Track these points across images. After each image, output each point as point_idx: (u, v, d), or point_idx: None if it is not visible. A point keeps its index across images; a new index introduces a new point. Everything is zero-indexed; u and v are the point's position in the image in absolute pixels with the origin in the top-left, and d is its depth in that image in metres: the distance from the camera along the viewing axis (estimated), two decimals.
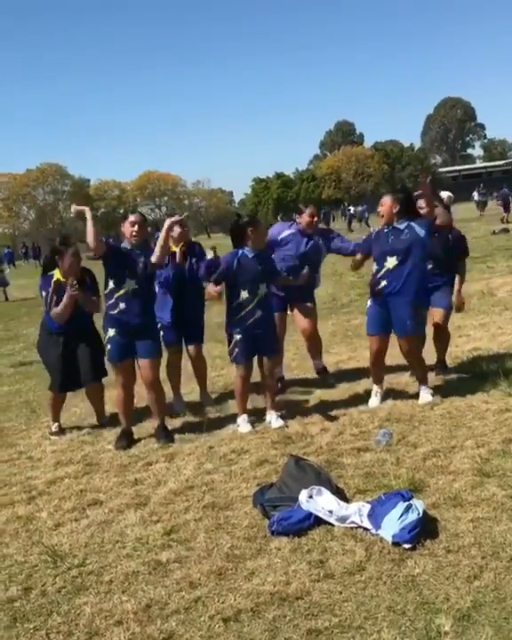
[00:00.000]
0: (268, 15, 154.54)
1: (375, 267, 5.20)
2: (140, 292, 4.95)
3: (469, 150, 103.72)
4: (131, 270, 4.92)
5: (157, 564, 3.24)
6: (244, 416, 5.18)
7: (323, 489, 3.53)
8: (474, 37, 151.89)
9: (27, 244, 54.13)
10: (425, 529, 3.19)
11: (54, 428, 5.56)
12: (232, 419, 5.29)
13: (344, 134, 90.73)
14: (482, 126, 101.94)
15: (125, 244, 5.04)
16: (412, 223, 5.03)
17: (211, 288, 5.15)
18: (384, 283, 5.09)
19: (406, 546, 3.10)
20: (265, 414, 5.24)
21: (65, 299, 5.13)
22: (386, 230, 5.15)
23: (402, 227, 5.05)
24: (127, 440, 5.04)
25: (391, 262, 5.04)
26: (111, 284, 4.97)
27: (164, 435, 5.03)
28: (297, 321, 6.10)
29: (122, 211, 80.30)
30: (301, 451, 4.45)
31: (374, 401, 5.32)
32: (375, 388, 5.39)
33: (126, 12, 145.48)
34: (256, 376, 5.31)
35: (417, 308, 5.14)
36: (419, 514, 3.21)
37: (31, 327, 12.78)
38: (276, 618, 2.70)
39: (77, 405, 6.21)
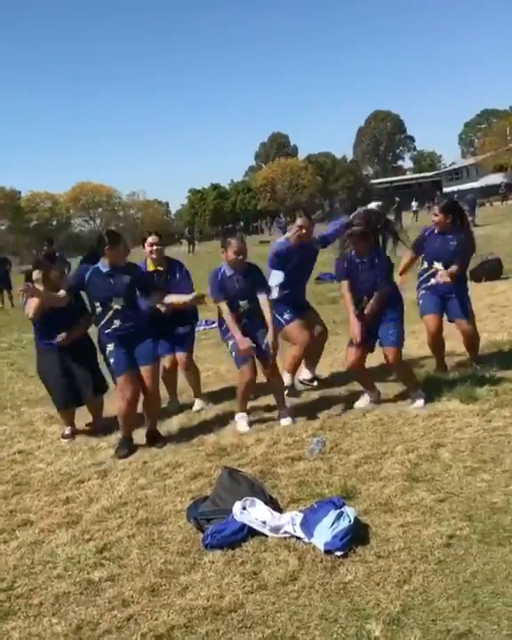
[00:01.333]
0: (201, 29, 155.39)
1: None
2: (127, 307, 4.99)
3: (400, 162, 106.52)
4: (113, 291, 4.94)
5: (89, 583, 3.18)
6: (244, 414, 5.28)
7: (256, 500, 3.54)
8: (402, 51, 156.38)
9: None
10: (356, 536, 3.24)
11: (67, 431, 5.58)
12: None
13: (278, 146, 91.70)
14: (411, 138, 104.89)
15: (102, 267, 4.98)
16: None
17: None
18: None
19: (338, 553, 3.13)
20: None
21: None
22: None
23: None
24: (129, 448, 5.02)
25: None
26: (98, 307, 5.01)
27: (158, 439, 5.13)
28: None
29: (54, 222, 79.15)
30: (236, 462, 4.45)
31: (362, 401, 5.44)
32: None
33: (56, 17, 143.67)
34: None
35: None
36: (350, 521, 3.25)
37: None
38: (209, 632, 2.69)
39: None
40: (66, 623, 2.86)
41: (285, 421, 5.17)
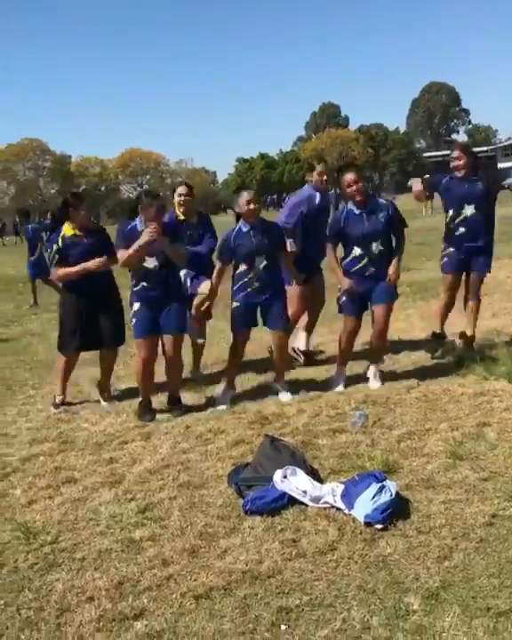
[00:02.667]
0: None
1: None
2: (161, 269, 4.95)
3: (454, 135, 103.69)
4: (148, 250, 4.89)
5: (130, 541, 3.24)
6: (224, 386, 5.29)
7: (297, 469, 3.55)
8: (461, 22, 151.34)
9: (5, 220, 53.34)
10: (397, 510, 3.22)
11: (59, 399, 5.54)
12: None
13: (329, 116, 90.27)
14: (466, 112, 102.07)
15: (138, 224, 4.95)
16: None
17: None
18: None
19: (378, 526, 3.13)
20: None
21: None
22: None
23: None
24: (151, 413, 5.07)
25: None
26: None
27: (179, 406, 5.14)
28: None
29: (103, 188, 79.72)
30: (277, 431, 4.47)
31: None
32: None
33: None
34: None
35: None
36: (391, 495, 3.23)
37: (8, 304, 12.70)
38: (248, 596, 2.72)
39: (78, 383, 6.17)
40: (107, 578, 2.93)
41: (284, 397, 5.20)
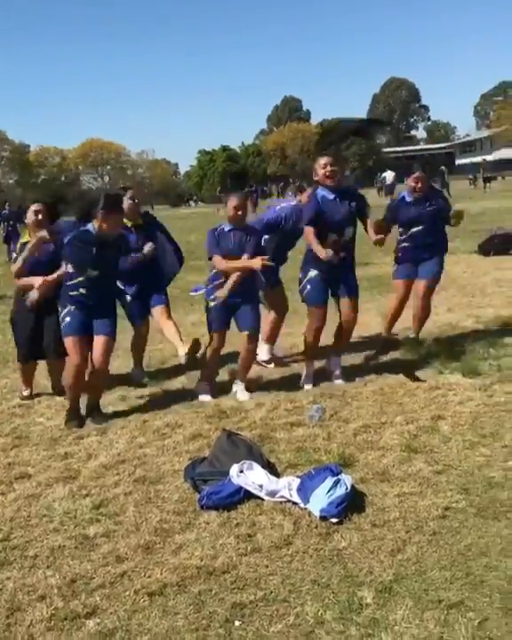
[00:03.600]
0: None
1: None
2: (102, 278, 4.75)
3: (413, 131, 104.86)
4: (92, 259, 4.68)
5: (84, 538, 3.19)
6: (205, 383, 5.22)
7: (254, 463, 3.54)
8: (422, 17, 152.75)
9: None
10: (352, 503, 3.24)
11: (25, 392, 5.48)
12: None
13: (291, 110, 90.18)
14: (426, 108, 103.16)
15: (91, 228, 4.70)
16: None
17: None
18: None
19: (333, 520, 3.14)
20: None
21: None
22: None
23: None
24: (78, 419, 4.83)
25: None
26: (70, 269, 4.74)
27: (100, 414, 4.91)
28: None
29: (63, 178, 78.49)
30: (235, 425, 4.45)
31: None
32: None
33: None
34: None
35: None
36: (346, 489, 3.25)
37: None
38: (202, 592, 2.70)
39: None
40: (60, 576, 2.88)
41: (241, 395, 5.14)
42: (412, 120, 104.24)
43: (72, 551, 3.09)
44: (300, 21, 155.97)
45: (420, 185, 5.76)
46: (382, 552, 2.89)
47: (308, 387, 5.26)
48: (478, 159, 62.41)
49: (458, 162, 70.06)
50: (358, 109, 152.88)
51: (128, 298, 5.48)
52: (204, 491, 3.45)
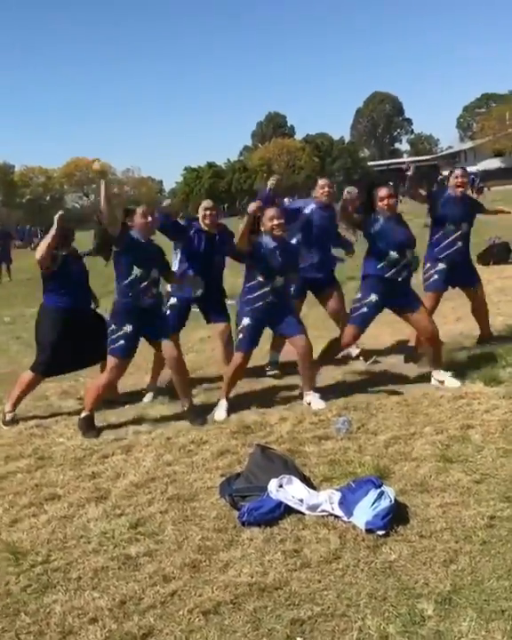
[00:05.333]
0: (200, 6, 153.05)
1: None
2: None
3: (397, 145, 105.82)
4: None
5: (127, 558, 3.14)
6: (225, 402, 5.15)
7: (292, 477, 3.50)
8: (403, 32, 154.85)
9: None
10: (396, 515, 3.21)
11: (10, 416, 5.35)
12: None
13: (275, 126, 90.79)
14: (409, 121, 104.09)
15: (136, 235, 4.90)
16: None
17: None
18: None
19: (380, 532, 3.11)
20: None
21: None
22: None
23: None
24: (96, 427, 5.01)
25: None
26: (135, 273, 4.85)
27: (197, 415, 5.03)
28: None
29: (48, 198, 78.42)
30: (262, 440, 4.41)
31: None
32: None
33: None
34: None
35: None
36: (391, 501, 3.22)
37: None
38: (257, 609, 2.66)
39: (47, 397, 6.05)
40: (108, 597, 2.82)
41: (317, 404, 5.03)
42: (396, 133, 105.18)
43: (116, 572, 3.04)
44: (283, 37, 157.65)
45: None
46: (435, 563, 2.85)
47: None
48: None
49: (444, 173, 70.59)
50: (342, 124, 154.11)
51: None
52: (243, 507, 3.41)
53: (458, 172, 6.10)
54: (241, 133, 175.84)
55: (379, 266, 5.08)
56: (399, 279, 5.09)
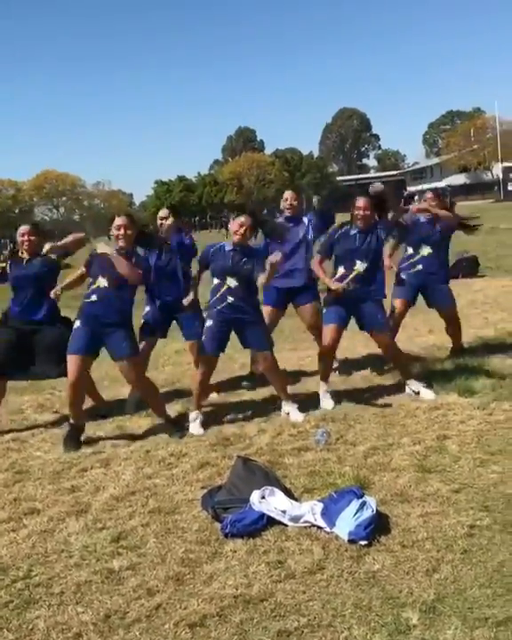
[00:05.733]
0: (171, 22, 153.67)
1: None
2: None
3: (365, 160, 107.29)
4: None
5: (109, 572, 3.11)
6: (197, 413, 5.11)
7: (275, 489, 3.52)
8: (371, 50, 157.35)
9: None
10: (378, 525, 3.24)
11: None
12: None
13: (245, 140, 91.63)
14: (377, 137, 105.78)
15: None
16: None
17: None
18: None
19: (362, 543, 3.13)
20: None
21: None
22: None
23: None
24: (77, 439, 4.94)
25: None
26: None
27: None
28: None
29: (17, 210, 77.69)
30: (242, 452, 4.41)
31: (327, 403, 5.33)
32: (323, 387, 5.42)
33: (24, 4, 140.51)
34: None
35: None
36: (373, 511, 3.25)
37: None
38: (243, 621, 2.66)
39: (23, 411, 5.96)
40: (92, 612, 2.80)
41: (295, 416, 5.06)
42: (364, 149, 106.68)
43: (99, 586, 3.01)
44: (253, 53, 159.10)
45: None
46: (418, 572, 2.89)
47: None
48: (429, 186, 64.13)
49: (410, 188, 71.60)
50: (311, 139, 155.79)
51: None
52: (225, 519, 3.41)
53: (429, 194, 6.22)
54: (211, 147, 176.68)
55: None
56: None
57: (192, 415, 5.10)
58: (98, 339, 4.84)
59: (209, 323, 5.05)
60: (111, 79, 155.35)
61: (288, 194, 5.93)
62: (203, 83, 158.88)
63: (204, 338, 5.05)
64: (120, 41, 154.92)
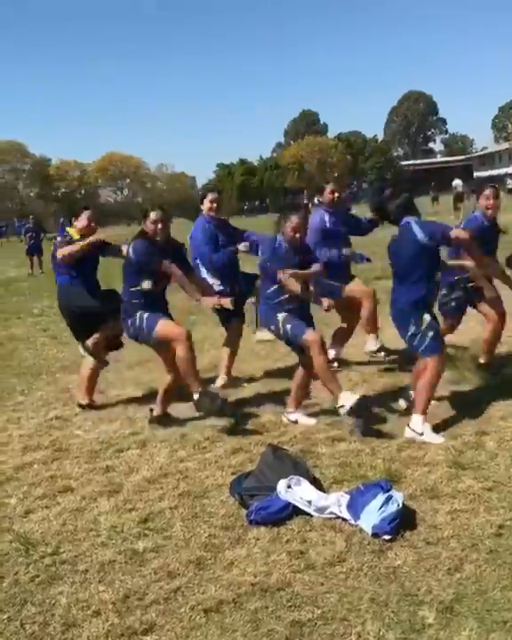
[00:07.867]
0: (235, 4, 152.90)
1: None
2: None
3: (431, 144, 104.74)
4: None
5: (134, 553, 3.18)
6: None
7: (301, 479, 3.51)
8: (440, 32, 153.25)
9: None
10: (404, 520, 3.20)
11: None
12: None
13: (308, 124, 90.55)
14: (444, 121, 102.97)
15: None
16: None
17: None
18: None
19: (386, 537, 3.10)
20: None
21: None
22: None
23: None
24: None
25: None
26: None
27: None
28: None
29: (82, 191, 79.19)
30: (276, 440, 4.42)
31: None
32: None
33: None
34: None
35: None
36: (398, 505, 3.21)
37: None
38: (258, 609, 2.67)
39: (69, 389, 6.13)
40: (113, 591, 2.86)
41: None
42: (430, 133, 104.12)
43: (122, 566, 3.08)
44: (317, 35, 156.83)
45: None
46: (439, 570, 2.84)
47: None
48: (498, 172, 62.35)
49: (476, 174, 69.70)
50: (376, 123, 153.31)
51: None
52: (251, 506, 3.42)
53: (487, 191, 5.37)
54: (274, 131, 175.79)
55: None
56: None
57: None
58: None
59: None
60: (177, 63, 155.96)
61: (329, 186, 6.02)
62: (267, 65, 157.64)
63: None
64: (182, 24, 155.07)
